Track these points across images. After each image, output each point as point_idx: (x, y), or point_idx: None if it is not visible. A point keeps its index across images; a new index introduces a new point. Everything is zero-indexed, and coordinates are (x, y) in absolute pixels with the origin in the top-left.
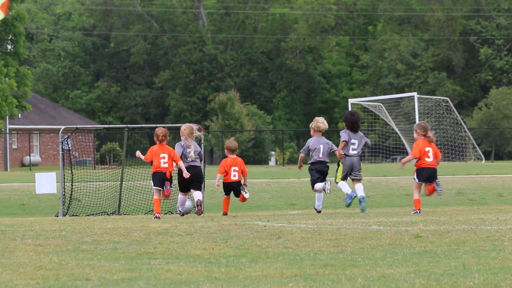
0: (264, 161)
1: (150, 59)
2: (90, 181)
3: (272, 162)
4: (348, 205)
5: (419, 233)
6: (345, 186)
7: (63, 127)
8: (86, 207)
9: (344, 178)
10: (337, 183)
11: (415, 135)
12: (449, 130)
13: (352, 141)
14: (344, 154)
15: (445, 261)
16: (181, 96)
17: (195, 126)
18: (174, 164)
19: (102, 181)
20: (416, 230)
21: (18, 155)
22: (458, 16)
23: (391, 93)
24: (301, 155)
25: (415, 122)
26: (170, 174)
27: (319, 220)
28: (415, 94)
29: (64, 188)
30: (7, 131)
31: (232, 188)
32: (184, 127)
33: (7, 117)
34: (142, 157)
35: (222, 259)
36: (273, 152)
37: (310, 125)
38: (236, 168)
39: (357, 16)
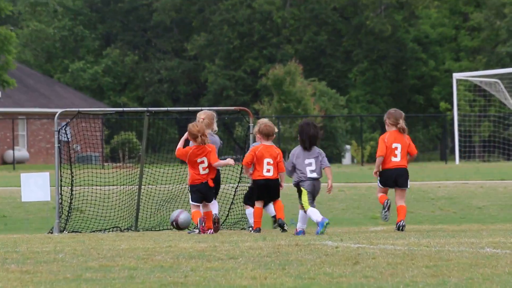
0: (335, 158)
1: (179, 18)
2: (96, 185)
3: (346, 159)
4: (322, 233)
5: None
6: (315, 213)
7: (59, 110)
8: (92, 220)
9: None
10: (305, 211)
11: (386, 126)
12: None
13: (307, 161)
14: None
15: None
16: (222, 68)
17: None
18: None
19: (113, 185)
20: None
21: None
22: None
23: None
24: (379, 158)
25: None
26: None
27: (411, 239)
28: None
29: (61, 194)
30: None
31: (267, 188)
32: (204, 116)
33: None
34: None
35: None
36: (348, 146)
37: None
38: (271, 161)
39: None
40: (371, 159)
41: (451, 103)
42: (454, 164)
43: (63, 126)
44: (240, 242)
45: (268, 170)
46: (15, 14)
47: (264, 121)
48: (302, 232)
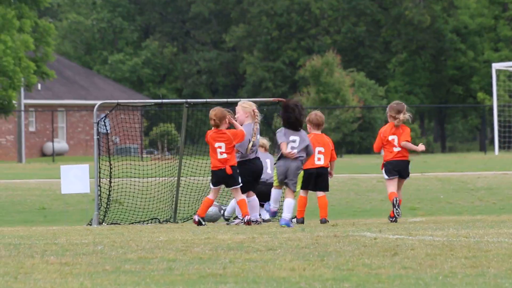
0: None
1: (218, 9)
2: (135, 177)
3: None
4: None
5: None
6: (287, 206)
7: (98, 102)
8: (130, 212)
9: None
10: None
11: (388, 119)
12: None
13: (292, 137)
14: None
15: None
16: (260, 60)
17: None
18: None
19: (152, 177)
20: None
21: (37, 141)
22: None
23: None
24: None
25: None
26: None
27: (450, 231)
28: None
29: (100, 186)
30: (22, 108)
31: (316, 176)
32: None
33: (22, 88)
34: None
35: (316, 284)
36: None
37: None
38: (322, 149)
39: None
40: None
41: (490, 94)
42: (493, 155)
43: (102, 118)
44: (279, 234)
45: (319, 159)
46: (54, 6)
47: (314, 111)
48: (287, 223)
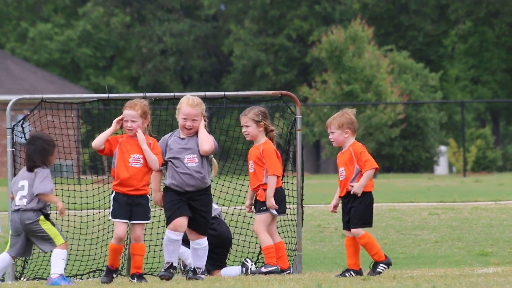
0: (425, 164)
1: None
2: (69, 208)
3: (441, 167)
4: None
5: None
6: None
7: (14, 98)
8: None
9: None
10: None
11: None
12: None
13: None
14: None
15: None
16: (254, 34)
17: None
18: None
19: (94, 208)
20: None
21: None
22: None
23: None
24: None
25: None
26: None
27: None
28: None
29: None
30: None
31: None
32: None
33: None
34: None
35: None
36: (443, 148)
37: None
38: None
39: None
40: (478, 165)
41: None
42: None
43: (19, 122)
44: None
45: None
46: None
47: (342, 111)
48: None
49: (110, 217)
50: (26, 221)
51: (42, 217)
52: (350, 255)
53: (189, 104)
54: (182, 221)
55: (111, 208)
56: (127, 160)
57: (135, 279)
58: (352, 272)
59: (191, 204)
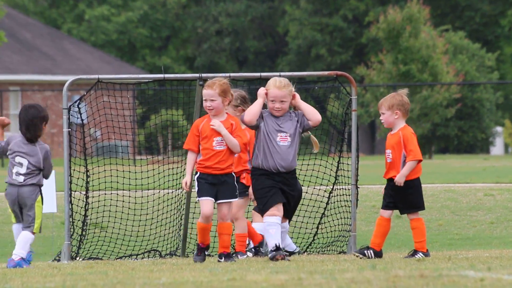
0: (481, 145)
1: None
2: (124, 189)
3: (497, 148)
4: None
5: None
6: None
7: (70, 78)
8: (117, 241)
9: None
10: None
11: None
12: None
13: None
14: None
15: None
16: (309, 14)
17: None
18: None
19: (149, 189)
20: None
21: None
22: None
23: None
24: None
25: None
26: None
27: None
28: None
29: (71, 203)
30: None
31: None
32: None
33: None
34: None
35: None
36: (499, 129)
37: None
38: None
39: None
40: None
41: None
42: None
43: (76, 102)
44: (338, 272)
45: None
46: None
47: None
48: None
49: (197, 198)
50: (24, 195)
51: (39, 198)
52: (377, 235)
53: (276, 86)
54: (278, 207)
55: (196, 188)
56: (212, 144)
57: (223, 258)
58: (371, 252)
59: (283, 189)
